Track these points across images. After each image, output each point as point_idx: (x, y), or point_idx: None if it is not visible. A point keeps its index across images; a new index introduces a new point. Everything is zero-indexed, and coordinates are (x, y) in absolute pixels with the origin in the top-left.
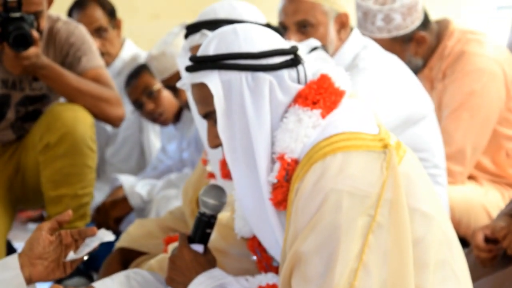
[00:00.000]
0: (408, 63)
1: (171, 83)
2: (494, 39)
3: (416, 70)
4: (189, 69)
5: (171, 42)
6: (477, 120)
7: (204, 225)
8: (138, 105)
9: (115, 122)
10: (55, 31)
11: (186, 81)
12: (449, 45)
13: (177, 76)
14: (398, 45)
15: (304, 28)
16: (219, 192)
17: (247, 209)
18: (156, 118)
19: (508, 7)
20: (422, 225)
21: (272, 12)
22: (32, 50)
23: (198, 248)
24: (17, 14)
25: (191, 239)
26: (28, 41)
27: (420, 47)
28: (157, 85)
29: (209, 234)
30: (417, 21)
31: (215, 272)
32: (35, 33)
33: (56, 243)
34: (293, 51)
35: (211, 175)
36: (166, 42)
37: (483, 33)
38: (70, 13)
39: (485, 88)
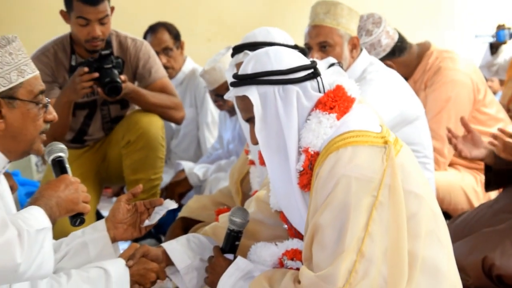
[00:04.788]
0: None
1: (220, 92)
2: (464, 56)
3: None
4: (233, 84)
5: (219, 60)
6: (454, 119)
7: (233, 239)
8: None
9: (178, 122)
10: (125, 47)
11: (231, 94)
12: (429, 62)
13: (224, 86)
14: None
15: (324, 48)
16: (244, 212)
17: (278, 191)
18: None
19: (484, 36)
20: (414, 204)
21: (300, 36)
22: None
23: (230, 256)
24: (109, 64)
25: (223, 250)
26: (119, 91)
27: (394, 68)
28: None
29: (237, 246)
30: (382, 53)
31: (240, 263)
32: (123, 77)
33: (133, 211)
34: (313, 66)
35: (252, 162)
36: (215, 60)
37: (455, 52)
38: (145, 36)
39: (458, 95)
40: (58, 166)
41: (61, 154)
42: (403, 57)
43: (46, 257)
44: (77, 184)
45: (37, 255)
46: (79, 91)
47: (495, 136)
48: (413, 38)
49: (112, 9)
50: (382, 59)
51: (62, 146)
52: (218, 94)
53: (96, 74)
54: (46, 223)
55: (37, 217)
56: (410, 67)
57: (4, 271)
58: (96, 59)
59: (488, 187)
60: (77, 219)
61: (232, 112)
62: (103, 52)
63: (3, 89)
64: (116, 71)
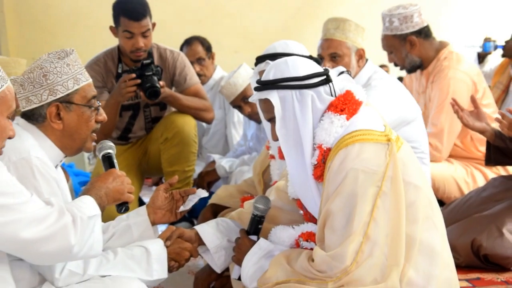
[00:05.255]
0: (406, 58)
1: (236, 103)
2: (469, 60)
3: (414, 65)
4: (257, 89)
5: (232, 76)
6: (452, 113)
7: (256, 223)
8: (238, 107)
9: (208, 122)
10: (164, 58)
11: (255, 97)
12: (441, 58)
13: (239, 98)
14: (397, 41)
15: (335, 58)
16: (266, 200)
17: (295, 181)
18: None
19: (473, 46)
20: (413, 193)
21: (315, 48)
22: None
23: (254, 238)
24: (149, 72)
25: (248, 232)
26: (158, 95)
27: (412, 48)
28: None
29: (260, 229)
30: (411, 28)
31: (262, 243)
32: (161, 83)
33: (169, 198)
34: (325, 73)
35: (272, 156)
36: (229, 76)
37: (463, 55)
38: (181, 48)
39: (456, 91)
40: (107, 161)
41: (110, 151)
42: (426, 42)
43: (96, 240)
44: (123, 177)
45: (88, 238)
46: (124, 94)
47: (502, 115)
48: None
49: (154, 25)
50: (410, 34)
51: (111, 144)
52: (235, 106)
53: (139, 81)
54: (96, 210)
55: (88, 205)
56: (428, 55)
57: (60, 251)
58: (139, 68)
59: (488, 162)
60: (123, 207)
61: (250, 117)
62: (145, 62)
63: (61, 95)
64: (155, 78)
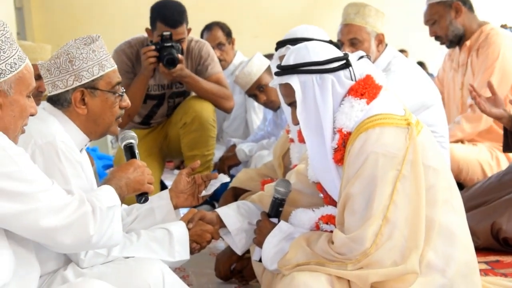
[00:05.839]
0: (450, 25)
1: (251, 92)
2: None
3: (457, 35)
4: (277, 74)
5: (246, 65)
6: (500, 76)
7: (277, 206)
8: (253, 96)
9: (227, 110)
10: (190, 48)
11: (276, 82)
12: (485, 31)
13: (254, 87)
14: (442, 8)
15: (354, 44)
16: (287, 183)
17: (315, 165)
18: (267, 104)
19: None
20: (432, 177)
21: (335, 33)
22: (178, 67)
23: (274, 220)
24: (168, 43)
25: (269, 215)
26: (175, 63)
27: (458, 14)
28: (267, 81)
29: (281, 211)
30: None
31: (282, 226)
32: (180, 56)
33: (192, 182)
34: (345, 57)
35: (292, 140)
36: (242, 67)
37: (505, 32)
38: (202, 33)
39: (508, 57)
40: (129, 152)
41: (132, 141)
42: (470, 13)
43: (115, 230)
44: (144, 167)
45: (107, 229)
46: (147, 66)
47: None
48: (425, 33)
49: (189, 30)
50: (456, 0)
51: (133, 134)
52: (250, 94)
53: (156, 53)
54: (116, 201)
55: (109, 195)
56: (471, 27)
57: (79, 240)
58: (159, 42)
59: (506, 149)
60: (142, 197)
61: (265, 105)
62: (165, 33)
63: (86, 81)
64: (174, 50)
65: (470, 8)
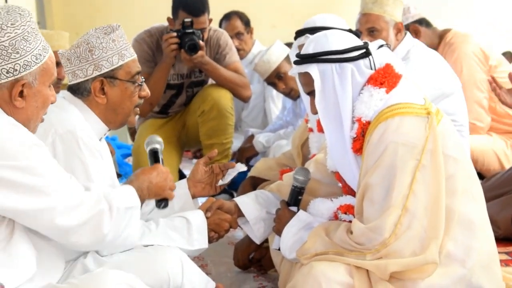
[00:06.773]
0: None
1: (270, 80)
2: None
3: None
4: (296, 62)
5: (266, 53)
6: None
7: (296, 194)
8: (272, 84)
9: (245, 99)
10: (209, 37)
11: (295, 71)
12: (447, 40)
13: (273, 75)
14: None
15: (373, 33)
16: (306, 171)
17: (334, 154)
18: (285, 93)
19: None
20: (452, 166)
21: (352, 22)
22: (199, 54)
23: (294, 209)
24: (190, 30)
25: (288, 204)
26: (196, 48)
27: (417, 35)
28: (286, 69)
29: (300, 200)
30: (410, 19)
31: (301, 215)
32: (201, 43)
33: (209, 172)
34: (365, 46)
35: (311, 130)
36: (262, 55)
37: (470, 35)
38: (220, 22)
39: (468, 67)
40: (154, 156)
41: (157, 146)
42: (428, 30)
43: (132, 232)
44: (167, 173)
45: (124, 230)
46: (168, 53)
47: None
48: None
49: (210, 21)
50: (412, 23)
51: (160, 139)
52: (269, 83)
53: (177, 40)
54: (136, 202)
55: (129, 196)
56: (432, 43)
57: (94, 237)
58: (180, 29)
59: None
60: (162, 203)
61: (284, 94)
62: (186, 20)
63: (106, 70)
64: (195, 36)
65: (428, 25)
